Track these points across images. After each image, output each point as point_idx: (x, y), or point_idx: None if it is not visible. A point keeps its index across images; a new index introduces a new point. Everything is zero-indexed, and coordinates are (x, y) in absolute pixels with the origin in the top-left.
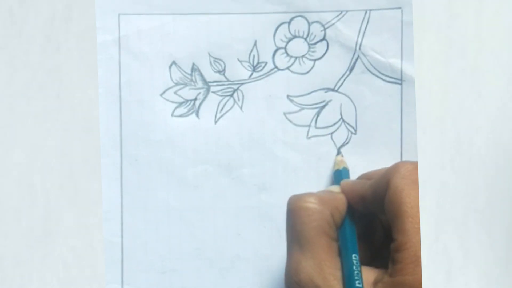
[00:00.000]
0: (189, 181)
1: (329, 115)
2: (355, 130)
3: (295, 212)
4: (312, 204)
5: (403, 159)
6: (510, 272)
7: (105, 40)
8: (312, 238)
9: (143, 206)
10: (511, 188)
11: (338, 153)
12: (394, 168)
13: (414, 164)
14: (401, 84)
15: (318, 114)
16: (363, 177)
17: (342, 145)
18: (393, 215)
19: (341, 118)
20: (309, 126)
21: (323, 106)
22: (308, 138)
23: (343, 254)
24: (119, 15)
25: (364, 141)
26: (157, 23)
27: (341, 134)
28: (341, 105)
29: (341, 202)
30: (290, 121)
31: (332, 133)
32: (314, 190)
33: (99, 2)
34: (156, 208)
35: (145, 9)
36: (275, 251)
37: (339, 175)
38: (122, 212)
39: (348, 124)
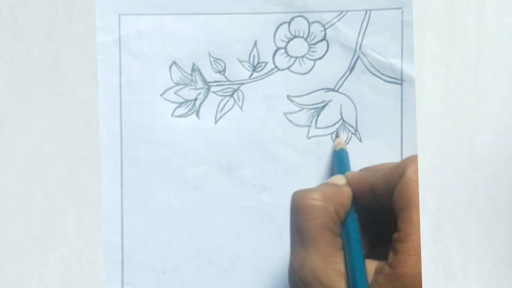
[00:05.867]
0: (189, 181)
1: (329, 115)
2: (355, 130)
3: (298, 209)
4: (316, 201)
5: (404, 159)
6: (510, 272)
7: (105, 40)
8: (316, 236)
9: (143, 206)
10: (511, 188)
11: (338, 135)
12: (411, 160)
13: None
14: (401, 84)
15: (318, 114)
16: (367, 169)
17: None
18: (402, 205)
19: (341, 118)
20: (309, 126)
21: (323, 106)
22: (308, 138)
23: (346, 249)
24: (119, 15)
25: (364, 141)
26: (157, 23)
27: (341, 134)
28: (341, 105)
29: (346, 197)
30: (290, 121)
31: (332, 133)
32: None
33: (99, 2)
34: (156, 208)
35: (145, 9)
36: (275, 251)
37: (338, 156)
38: (122, 212)
39: (348, 124)
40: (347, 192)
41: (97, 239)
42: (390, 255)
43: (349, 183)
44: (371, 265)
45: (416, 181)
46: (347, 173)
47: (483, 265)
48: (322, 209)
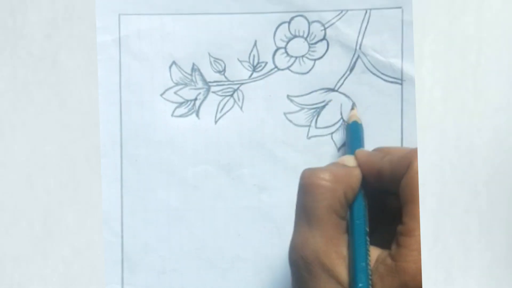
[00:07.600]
0: (189, 181)
1: (329, 115)
2: None
3: (307, 188)
4: (325, 182)
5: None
6: (510, 272)
7: (105, 40)
8: (322, 216)
9: (143, 206)
10: (511, 188)
11: (353, 107)
12: (417, 152)
13: None
14: (401, 84)
15: (318, 114)
16: (379, 150)
17: (342, 145)
18: (407, 198)
19: (341, 118)
20: (309, 126)
21: (323, 106)
22: (308, 138)
23: (350, 233)
24: (119, 15)
25: (364, 140)
26: (157, 23)
27: (341, 134)
28: (341, 105)
29: (356, 179)
30: (290, 121)
31: (332, 133)
32: None
33: (99, 2)
34: (156, 208)
35: (145, 9)
36: (275, 251)
37: (351, 130)
38: (122, 212)
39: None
40: (357, 175)
41: (97, 239)
42: (393, 247)
43: (358, 161)
44: (374, 253)
45: None
46: (357, 151)
47: (483, 265)
48: (330, 190)
